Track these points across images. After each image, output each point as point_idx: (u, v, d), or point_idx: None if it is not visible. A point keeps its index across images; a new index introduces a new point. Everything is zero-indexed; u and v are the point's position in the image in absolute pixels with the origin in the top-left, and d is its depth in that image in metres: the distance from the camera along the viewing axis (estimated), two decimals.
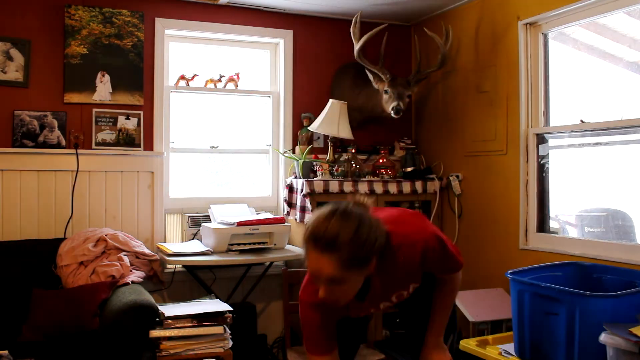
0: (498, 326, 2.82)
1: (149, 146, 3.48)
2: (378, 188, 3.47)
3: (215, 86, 3.72)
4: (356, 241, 1.45)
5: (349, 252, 1.44)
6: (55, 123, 3.24)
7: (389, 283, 1.68)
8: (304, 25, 3.86)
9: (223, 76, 3.74)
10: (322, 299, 1.52)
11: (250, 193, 3.87)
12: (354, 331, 2.02)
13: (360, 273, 1.52)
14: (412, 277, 1.72)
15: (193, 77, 3.66)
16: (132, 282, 2.84)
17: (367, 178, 3.52)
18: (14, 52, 3.17)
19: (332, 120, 3.44)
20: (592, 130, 2.84)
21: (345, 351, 1.96)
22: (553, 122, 3.10)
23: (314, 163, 3.50)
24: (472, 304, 2.91)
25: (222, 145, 3.80)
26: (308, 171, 3.49)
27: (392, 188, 3.50)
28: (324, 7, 3.71)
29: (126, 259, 2.97)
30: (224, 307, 2.80)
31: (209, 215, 3.53)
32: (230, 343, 2.76)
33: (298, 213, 3.42)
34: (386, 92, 3.43)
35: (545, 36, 3.11)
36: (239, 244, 3.22)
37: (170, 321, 2.66)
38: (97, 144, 3.34)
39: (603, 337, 1.93)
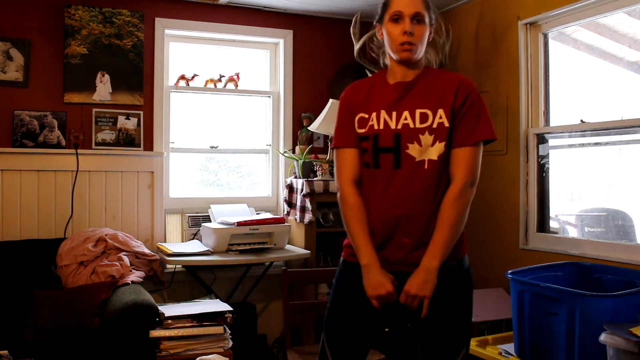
0: (498, 326, 2.82)
1: (149, 146, 3.48)
2: None
3: (215, 86, 3.72)
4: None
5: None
6: (55, 123, 3.24)
7: (422, 92, 1.77)
8: (304, 25, 3.86)
9: (223, 76, 3.74)
10: (404, 35, 1.72)
11: (250, 193, 3.87)
12: (365, 325, 1.84)
13: (430, 25, 1.79)
14: (441, 102, 1.74)
15: (193, 77, 3.66)
16: (132, 282, 2.84)
17: None
18: (14, 52, 3.17)
19: (332, 120, 3.43)
20: (592, 130, 2.84)
21: (359, 353, 1.85)
22: (553, 122, 3.10)
23: (314, 163, 3.50)
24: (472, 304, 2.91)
25: (222, 145, 3.80)
26: (308, 171, 3.49)
27: None
28: (324, 7, 3.71)
29: (126, 259, 2.97)
30: (224, 307, 2.80)
31: (209, 215, 3.53)
32: (230, 343, 2.76)
33: (298, 213, 3.42)
34: None
35: (545, 36, 3.11)
36: (239, 244, 3.22)
37: (170, 321, 2.66)
38: (97, 144, 3.34)
39: (603, 337, 1.93)
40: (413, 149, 1.72)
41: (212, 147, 3.77)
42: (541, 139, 3.10)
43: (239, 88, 3.78)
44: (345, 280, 1.82)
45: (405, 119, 1.74)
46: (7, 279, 2.82)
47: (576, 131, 2.93)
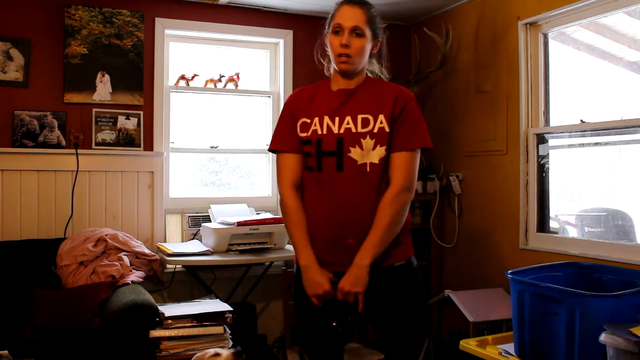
0: (498, 326, 2.82)
1: (149, 146, 3.48)
2: None
3: (215, 86, 3.72)
4: (376, 11, 1.87)
5: (371, 13, 1.84)
6: (55, 123, 3.25)
7: (364, 99, 1.84)
8: (304, 25, 3.86)
9: (223, 76, 3.74)
10: (341, 46, 1.79)
11: (250, 193, 3.87)
12: (338, 326, 1.91)
13: (370, 40, 1.83)
14: (381, 109, 1.80)
15: (193, 77, 3.66)
16: (132, 282, 2.84)
17: None
18: (14, 52, 3.17)
19: None
20: (592, 130, 2.84)
21: (332, 350, 1.92)
22: (553, 122, 3.10)
23: None
24: (472, 304, 2.91)
25: (222, 145, 3.80)
26: None
27: None
28: (324, 7, 3.71)
29: (126, 259, 2.97)
30: (224, 307, 2.80)
31: (209, 215, 3.53)
32: (230, 343, 2.76)
33: None
34: None
35: (545, 36, 3.11)
36: (239, 244, 3.22)
37: (170, 321, 2.66)
38: (97, 144, 3.34)
39: (603, 337, 1.93)
40: (355, 153, 1.79)
41: (212, 147, 3.77)
42: (541, 139, 3.10)
43: (239, 88, 3.78)
44: (298, 281, 1.88)
45: (348, 123, 1.81)
46: (7, 279, 2.82)
47: (576, 131, 2.93)
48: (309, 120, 1.85)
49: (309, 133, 1.83)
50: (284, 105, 1.96)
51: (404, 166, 1.79)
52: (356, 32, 1.79)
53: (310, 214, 1.84)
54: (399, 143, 1.80)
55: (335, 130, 1.80)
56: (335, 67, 1.85)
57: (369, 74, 1.94)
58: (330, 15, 1.87)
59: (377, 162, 1.78)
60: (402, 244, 1.85)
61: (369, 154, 1.79)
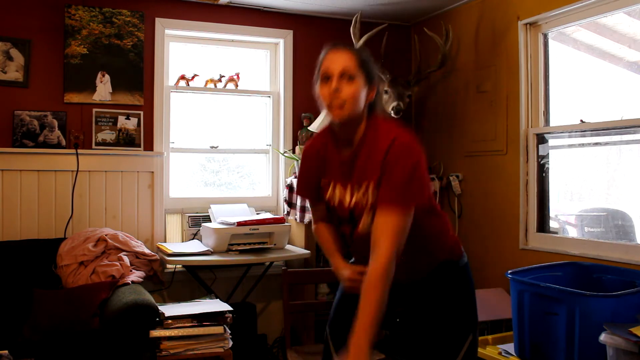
0: (498, 326, 2.82)
1: (149, 146, 3.48)
2: None
3: (215, 86, 3.72)
4: (368, 54, 1.72)
5: (362, 55, 1.68)
6: (55, 123, 3.25)
7: (364, 164, 1.69)
8: (304, 25, 3.86)
9: (223, 76, 3.74)
10: (331, 94, 1.63)
11: (250, 193, 3.87)
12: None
13: (364, 87, 1.66)
14: (371, 172, 1.66)
15: (193, 77, 3.66)
16: (132, 282, 2.84)
17: None
18: (14, 52, 3.17)
19: None
20: (592, 130, 2.84)
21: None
22: (553, 122, 3.10)
23: None
24: None
25: (222, 145, 3.80)
26: None
27: None
28: (324, 7, 3.71)
29: (126, 259, 2.97)
30: (224, 307, 2.80)
31: (209, 215, 3.53)
32: (230, 343, 2.76)
33: (298, 213, 3.42)
34: (386, 92, 3.43)
35: (545, 36, 3.11)
36: (239, 244, 3.22)
37: (170, 321, 2.66)
38: (97, 144, 3.34)
39: (603, 337, 1.93)
40: (365, 221, 1.71)
41: (212, 147, 3.77)
42: (541, 139, 3.10)
43: (239, 88, 3.78)
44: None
45: (354, 194, 1.73)
46: (8, 279, 2.82)
47: (576, 131, 2.93)
48: (327, 181, 1.82)
49: (327, 197, 1.82)
50: (303, 155, 1.91)
51: (391, 231, 1.58)
52: (348, 75, 1.62)
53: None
54: (385, 199, 1.60)
55: (346, 203, 1.76)
56: (331, 119, 1.69)
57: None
58: (318, 64, 1.71)
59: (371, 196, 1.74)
60: (434, 257, 1.82)
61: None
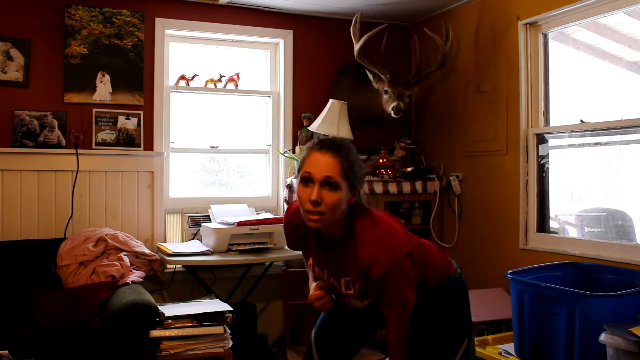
0: (498, 326, 2.82)
1: (149, 146, 3.48)
2: (378, 188, 3.47)
3: (215, 86, 3.72)
4: (354, 157, 1.63)
5: (348, 161, 1.59)
6: (55, 123, 3.24)
7: (340, 264, 1.72)
8: (304, 25, 3.86)
9: (223, 76, 3.74)
10: (312, 202, 1.56)
11: (250, 193, 3.87)
12: (357, 327, 2.02)
13: (347, 194, 1.61)
14: (352, 274, 1.70)
15: (193, 77, 3.66)
16: (132, 282, 2.84)
17: (367, 178, 3.52)
18: (14, 52, 3.17)
19: (332, 120, 3.44)
20: (592, 130, 2.84)
21: (345, 347, 2.00)
22: (553, 122, 3.10)
23: None
24: (472, 304, 2.90)
25: (222, 145, 3.80)
26: None
27: (392, 188, 3.50)
28: (324, 7, 3.71)
29: (126, 259, 2.97)
30: (224, 307, 2.80)
31: (209, 215, 3.53)
32: (230, 343, 2.76)
33: None
34: (386, 92, 3.43)
35: (545, 36, 3.11)
36: (239, 244, 3.22)
37: (170, 321, 2.66)
38: (97, 144, 3.34)
39: (603, 337, 1.93)
40: (355, 302, 1.80)
41: (212, 147, 3.77)
42: (541, 139, 3.10)
43: (239, 88, 3.78)
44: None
45: (334, 282, 1.79)
46: (8, 279, 2.82)
47: (576, 131, 2.93)
48: (308, 255, 1.86)
49: (309, 263, 1.86)
50: (285, 222, 1.90)
51: (394, 304, 1.70)
52: (330, 182, 1.57)
53: None
54: (382, 306, 1.74)
55: (330, 281, 1.81)
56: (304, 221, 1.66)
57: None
58: (300, 159, 1.66)
59: (370, 299, 1.78)
60: (427, 286, 1.86)
61: (361, 303, 1.80)
